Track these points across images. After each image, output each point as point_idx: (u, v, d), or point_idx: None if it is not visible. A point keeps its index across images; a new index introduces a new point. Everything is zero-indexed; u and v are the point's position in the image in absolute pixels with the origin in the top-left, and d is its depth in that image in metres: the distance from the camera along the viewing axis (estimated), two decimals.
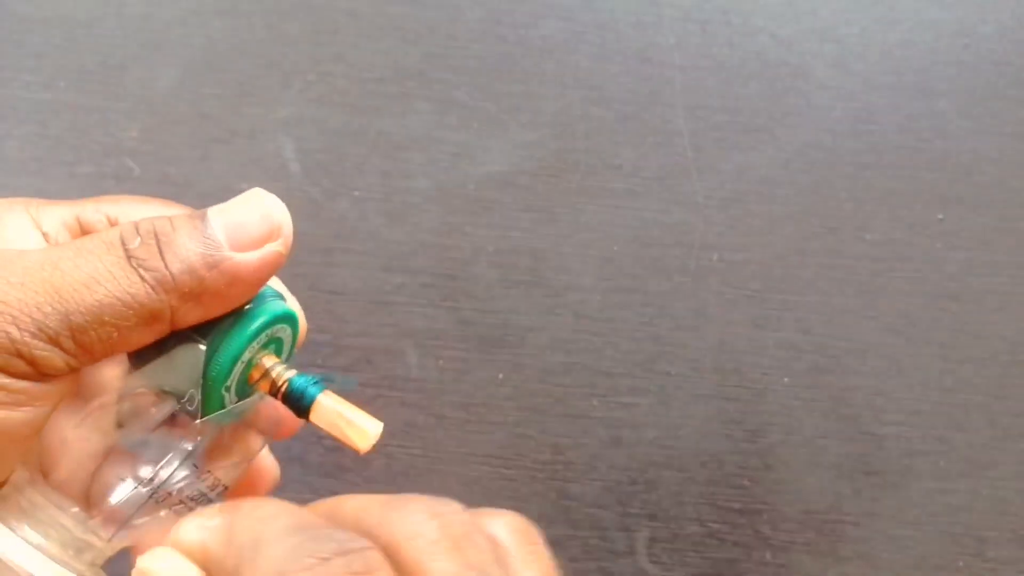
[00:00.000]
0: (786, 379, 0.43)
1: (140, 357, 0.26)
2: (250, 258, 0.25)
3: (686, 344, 0.43)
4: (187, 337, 0.26)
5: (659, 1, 0.47)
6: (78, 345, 0.24)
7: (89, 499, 0.27)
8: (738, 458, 0.42)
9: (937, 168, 0.46)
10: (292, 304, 0.29)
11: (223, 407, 0.27)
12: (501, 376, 0.43)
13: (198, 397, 0.26)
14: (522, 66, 0.46)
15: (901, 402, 0.43)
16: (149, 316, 0.24)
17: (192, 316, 0.25)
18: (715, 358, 0.43)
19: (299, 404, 0.27)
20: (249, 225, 0.25)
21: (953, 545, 0.42)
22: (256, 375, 0.27)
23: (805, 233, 0.45)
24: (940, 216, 0.45)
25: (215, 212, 0.25)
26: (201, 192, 0.44)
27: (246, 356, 0.26)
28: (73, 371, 0.24)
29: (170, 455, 0.27)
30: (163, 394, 0.27)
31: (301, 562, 0.21)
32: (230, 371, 0.26)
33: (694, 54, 0.47)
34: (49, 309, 0.23)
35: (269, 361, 0.27)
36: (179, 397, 0.26)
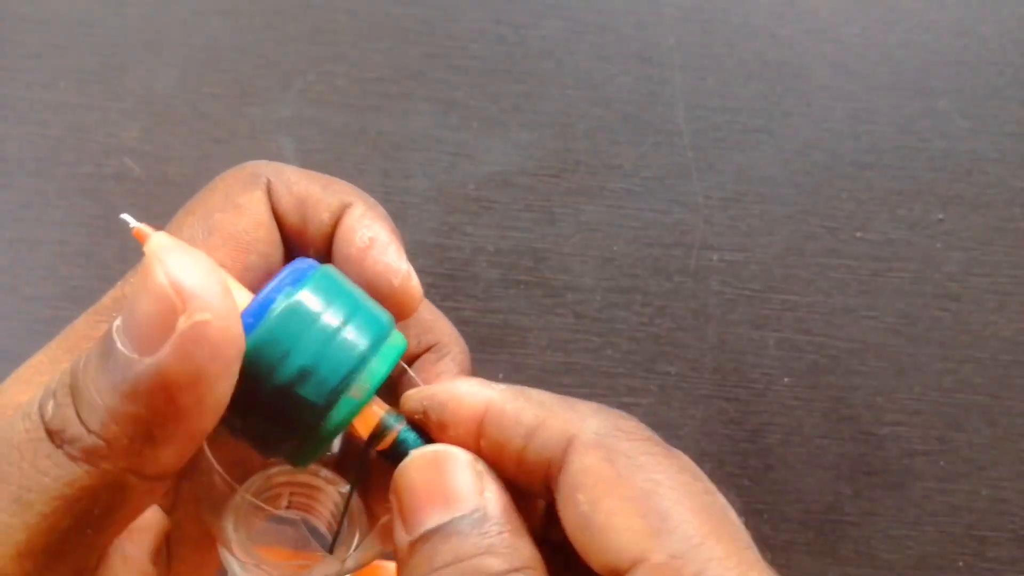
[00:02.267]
0: (786, 379, 0.43)
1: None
2: (164, 354, 0.18)
3: (686, 344, 0.43)
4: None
5: (659, 1, 0.47)
6: (60, 569, 0.19)
7: None
8: (738, 458, 0.42)
9: (937, 168, 0.46)
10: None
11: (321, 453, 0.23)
12: (501, 376, 0.43)
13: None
14: (522, 66, 0.46)
15: (901, 402, 0.43)
16: (113, 494, 0.19)
17: (170, 458, 0.19)
18: (715, 358, 0.43)
19: (397, 454, 0.23)
20: (141, 317, 0.18)
21: (953, 545, 0.42)
22: (358, 423, 0.23)
23: (805, 233, 0.45)
24: (940, 216, 0.45)
25: (118, 319, 0.19)
26: None
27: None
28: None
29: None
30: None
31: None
32: (340, 430, 0.22)
33: (694, 54, 0.47)
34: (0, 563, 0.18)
35: (377, 410, 0.23)
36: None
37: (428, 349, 0.27)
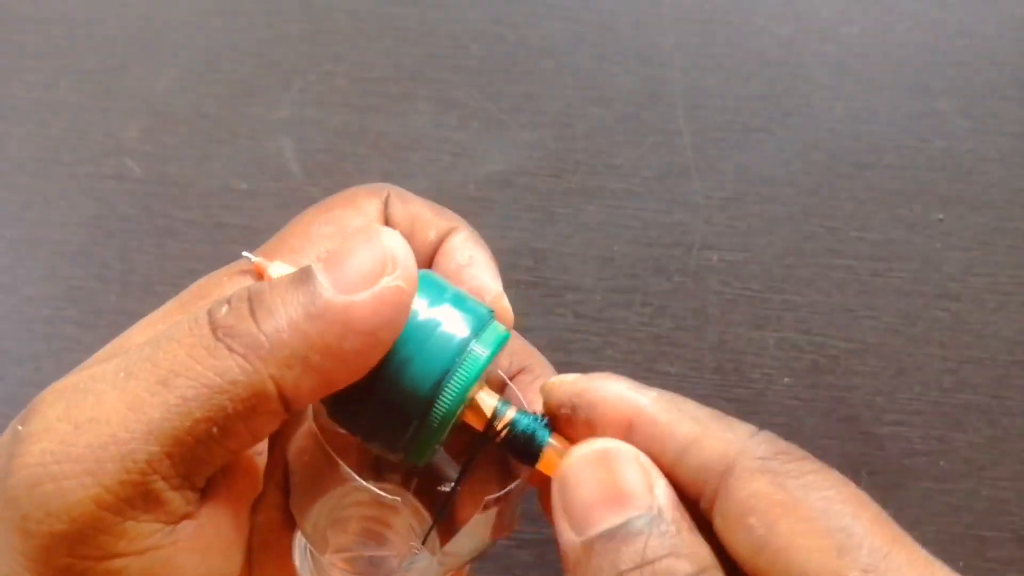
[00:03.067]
0: (786, 379, 0.43)
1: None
2: (361, 298, 0.20)
3: (686, 344, 0.43)
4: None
5: (659, 1, 0.47)
6: (179, 467, 0.20)
7: None
8: None
9: (937, 168, 0.46)
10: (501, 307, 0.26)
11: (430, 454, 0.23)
12: None
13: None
14: (522, 66, 0.46)
15: (901, 402, 0.43)
16: (250, 397, 0.20)
17: (307, 389, 0.20)
18: (715, 358, 0.43)
19: (527, 450, 0.23)
20: (357, 261, 0.21)
21: (953, 545, 0.42)
22: (469, 414, 0.23)
23: (805, 233, 0.45)
24: (940, 216, 0.45)
25: (319, 260, 0.21)
26: (201, 192, 0.44)
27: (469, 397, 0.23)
28: (199, 493, 0.21)
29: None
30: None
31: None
32: (453, 415, 0.22)
33: (694, 54, 0.47)
34: (127, 436, 0.19)
35: (488, 398, 0.23)
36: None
37: (520, 371, 0.27)
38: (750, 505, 0.21)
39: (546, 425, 0.23)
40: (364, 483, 0.23)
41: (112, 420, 0.19)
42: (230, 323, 0.20)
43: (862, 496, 0.21)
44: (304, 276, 0.21)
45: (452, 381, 0.22)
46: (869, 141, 0.46)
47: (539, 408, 0.24)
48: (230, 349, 0.20)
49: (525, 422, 0.23)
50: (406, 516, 0.26)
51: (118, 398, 0.20)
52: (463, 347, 0.22)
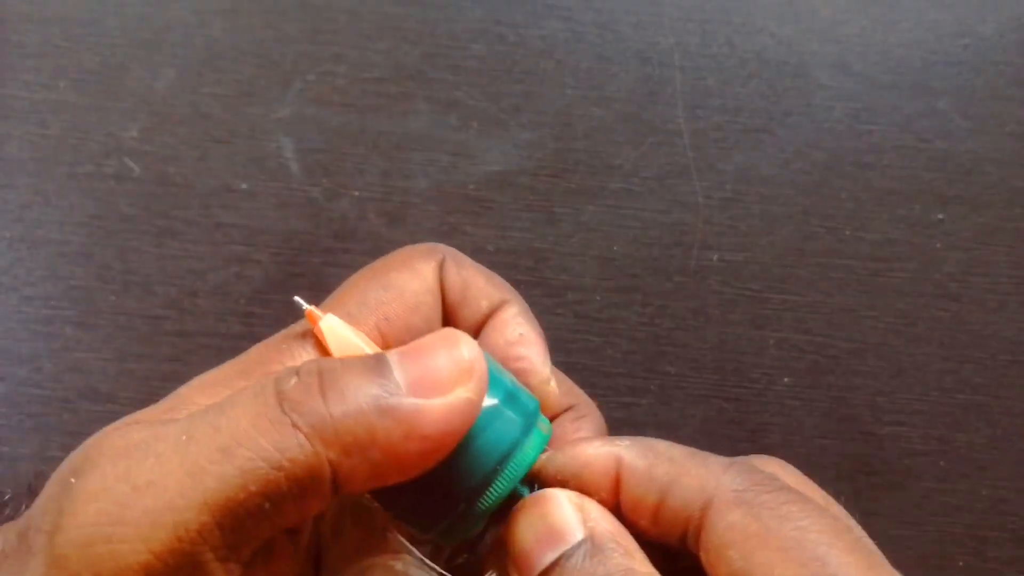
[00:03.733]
0: (786, 379, 0.43)
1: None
2: (434, 404, 0.20)
3: (686, 344, 0.43)
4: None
5: (659, 1, 0.47)
6: (228, 538, 0.19)
7: None
8: None
9: (937, 168, 0.46)
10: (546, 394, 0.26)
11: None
12: None
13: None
14: (522, 66, 0.46)
15: (901, 402, 0.43)
16: (306, 477, 0.19)
17: (360, 479, 0.20)
18: (715, 358, 0.43)
19: None
20: (434, 365, 0.21)
21: (953, 545, 0.42)
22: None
23: (805, 233, 0.45)
24: (940, 216, 0.45)
25: (395, 352, 0.21)
26: (201, 192, 0.44)
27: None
28: (243, 567, 0.21)
29: None
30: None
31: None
32: (492, 509, 0.23)
33: (694, 54, 0.47)
34: (183, 504, 0.19)
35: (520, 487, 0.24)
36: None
37: (568, 409, 0.28)
38: (728, 537, 0.22)
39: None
40: (419, 555, 0.24)
41: (170, 486, 0.19)
42: (298, 398, 0.20)
43: (838, 524, 0.22)
44: (379, 366, 0.20)
45: (501, 478, 0.22)
46: (869, 141, 0.46)
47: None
48: (295, 425, 0.19)
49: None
50: None
51: (178, 463, 0.19)
52: (514, 445, 0.23)
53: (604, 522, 0.23)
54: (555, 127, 0.45)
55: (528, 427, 0.24)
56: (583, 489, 0.24)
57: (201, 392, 0.24)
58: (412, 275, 0.27)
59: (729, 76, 0.46)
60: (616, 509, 0.24)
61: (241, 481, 0.19)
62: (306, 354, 0.24)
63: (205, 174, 0.44)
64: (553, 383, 0.27)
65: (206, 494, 0.19)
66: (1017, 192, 0.46)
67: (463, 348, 0.21)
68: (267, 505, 0.19)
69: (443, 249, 0.29)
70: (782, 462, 0.26)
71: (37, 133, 0.44)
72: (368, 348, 0.23)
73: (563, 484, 0.24)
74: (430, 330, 0.25)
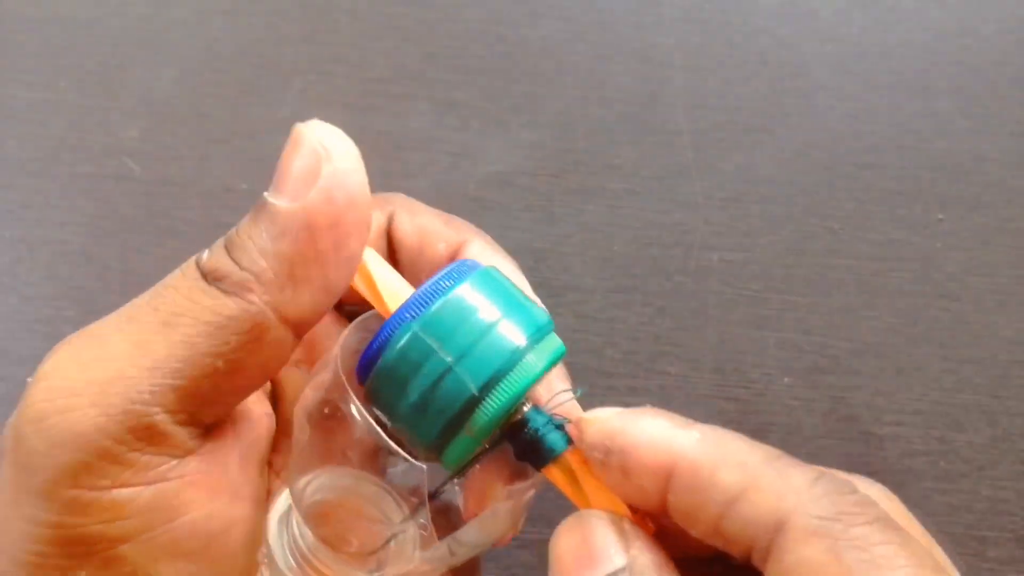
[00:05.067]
0: (786, 379, 0.43)
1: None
2: (311, 197, 0.21)
3: (686, 344, 0.43)
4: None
5: (659, 1, 0.47)
6: (185, 402, 0.20)
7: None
8: None
9: (937, 168, 0.46)
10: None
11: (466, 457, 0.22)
12: None
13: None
14: (522, 66, 0.46)
15: (901, 402, 0.43)
16: (252, 328, 0.20)
17: (308, 303, 0.21)
18: (715, 358, 0.43)
19: (532, 453, 0.22)
20: (292, 169, 0.22)
21: (953, 545, 0.42)
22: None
23: (805, 233, 0.45)
24: (940, 216, 0.45)
25: (268, 190, 0.22)
26: (201, 192, 0.44)
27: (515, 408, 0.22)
28: (205, 431, 0.21)
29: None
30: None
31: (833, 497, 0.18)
32: (493, 427, 0.22)
33: (694, 54, 0.47)
34: (132, 371, 0.20)
35: (527, 408, 0.22)
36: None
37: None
38: (797, 571, 0.18)
39: (560, 430, 0.22)
40: (392, 444, 0.22)
41: (118, 357, 0.20)
42: (214, 267, 0.21)
43: None
44: (259, 206, 0.22)
45: (501, 388, 0.21)
46: (869, 141, 0.46)
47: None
48: (223, 291, 0.21)
49: (537, 422, 0.22)
50: (401, 506, 0.26)
51: (122, 339, 0.21)
52: (515, 355, 0.21)
53: (647, 553, 0.20)
54: (555, 127, 0.45)
55: (535, 341, 0.22)
56: (628, 476, 0.21)
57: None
58: None
59: (729, 76, 0.46)
60: (665, 513, 0.21)
61: (189, 344, 0.20)
62: None
63: (205, 174, 0.44)
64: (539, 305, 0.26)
65: (155, 361, 0.20)
66: (1017, 192, 0.46)
67: (307, 135, 0.22)
68: (220, 363, 0.20)
69: (396, 199, 0.29)
70: (885, 490, 0.23)
71: (37, 133, 0.44)
72: (381, 269, 0.24)
73: (602, 462, 0.22)
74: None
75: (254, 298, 0.20)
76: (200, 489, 0.21)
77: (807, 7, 0.47)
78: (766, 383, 0.43)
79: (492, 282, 0.23)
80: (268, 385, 0.28)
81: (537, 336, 0.22)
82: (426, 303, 0.22)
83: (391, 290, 0.24)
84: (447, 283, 0.22)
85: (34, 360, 0.44)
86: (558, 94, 0.46)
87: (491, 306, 0.22)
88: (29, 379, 0.21)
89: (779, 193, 0.45)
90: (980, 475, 0.43)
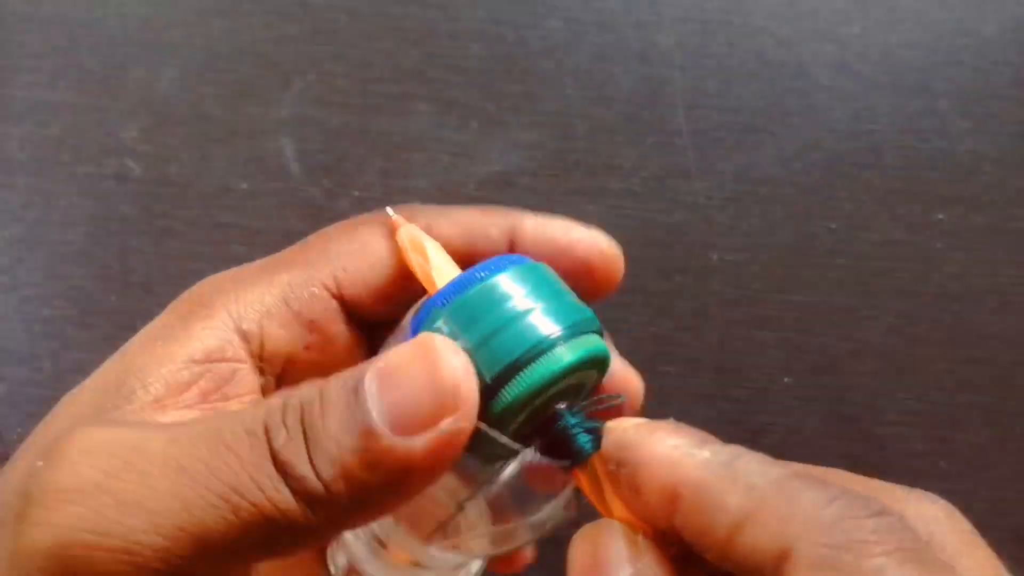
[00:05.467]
0: (786, 379, 0.43)
1: None
2: (420, 444, 0.19)
3: (686, 344, 0.43)
4: None
5: (659, 1, 0.47)
6: (211, 569, 0.19)
7: None
8: None
9: (937, 168, 0.46)
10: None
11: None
12: None
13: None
14: (522, 66, 0.46)
15: (901, 402, 0.43)
16: (302, 533, 0.19)
17: (360, 520, 0.20)
18: (715, 358, 0.43)
19: (560, 452, 0.22)
20: (415, 398, 0.19)
21: None
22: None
23: (805, 233, 0.45)
24: (940, 216, 0.45)
25: (371, 378, 0.19)
26: (201, 192, 0.44)
27: (535, 403, 0.21)
28: None
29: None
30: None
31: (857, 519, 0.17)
32: (508, 419, 0.21)
33: (694, 54, 0.47)
34: (172, 531, 0.18)
35: (562, 406, 0.22)
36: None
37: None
38: None
39: (591, 435, 0.21)
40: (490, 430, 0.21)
41: (160, 511, 0.19)
42: (290, 461, 0.19)
43: None
44: (355, 398, 0.19)
45: (519, 378, 0.20)
46: (869, 141, 0.46)
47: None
48: (292, 490, 0.19)
49: (568, 422, 0.22)
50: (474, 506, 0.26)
51: (168, 491, 0.19)
52: (545, 344, 0.21)
53: (653, 568, 0.20)
54: (555, 127, 0.45)
55: (570, 335, 0.21)
56: (638, 493, 0.20)
57: (148, 348, 0.24)
58: (380, 231, 0.26)
59: (729, 76, 0.46)
60: (673, 530, 0.20)
61: (236, 525, 0.19)
62: (362, 244, 0.25)
63: (205, 174, 0.44)
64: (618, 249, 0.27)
65: (199, 529, 0.18)
66: (1017, 192, 0.46)
67: (443, 366, 0.19)
68: (259, 542, 0.19)
69: (418, 208, 0.28)
70: (948, 508, 0.21)
71: (37, 133, 0.44)
72: (437, 255, 0.23)
73: (617, 475, 0.21)
74: (385, 285, 0.25)
75: (321, 513, 0.19)
76: None
77: (807, 7, 0.47)
78: (766, 383, 0.43)
79: (535, 275, 0.22)
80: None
81: (573, 331, 0.21)
82: (460, 290, 0.22)
83: (443, 278, 0.24)
84: (483, 273, 0.22)
85: (34, 360, 0.44)
86: (558, 94, 0.46)
87: (527, 297, 0.21)
88: (40, 463, 0.20)
89: (779, 193, 0.45)
90: (980, 475, 0.43)
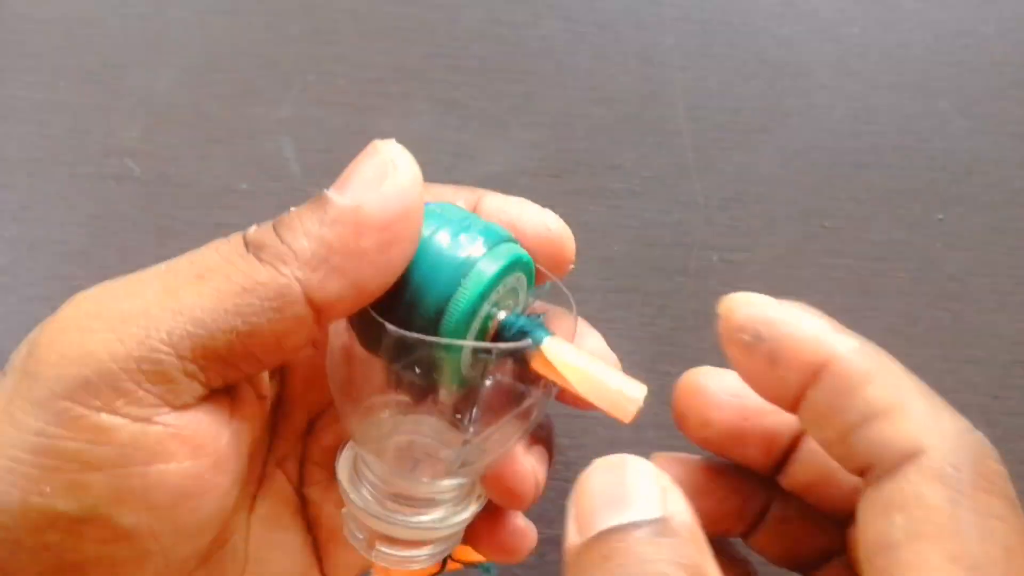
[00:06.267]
0: None
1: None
2: (368, 198, 0.22)
3: (686, 344, 0.43)
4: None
5: (659, 1, 0.47)
6: (197, 352, 0.21)
7: None
8: None
9: (937, 168, 0.46)
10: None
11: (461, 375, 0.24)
12: None
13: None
14: (522, 66, 0.46)
15: None
16: (277, 296, 0.21)
17: (334, 290, 0.22)
18: (715, 358, 0.43)
19: (520, 350, 0.23)
20: (359, 173, 0.22)
21: None
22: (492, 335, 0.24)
23: (805, 233, 0.45)
24: (940, 216, 0.45)
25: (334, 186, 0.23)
26: (201, 192, 0.44)
27: (479, 315, 0.23)
28: (207, 391, 0.22)
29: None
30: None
31: None
32: (462, 333, 0.23)
33: (694, 54, 0.47)
34: (157, 311, 0.21)
35: (503, 316, 0.24)
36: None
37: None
38: (908, 503, 0.18)
39: (540, 325, 0.23)
40: (405, 333, 0.23)
41: (147, 296, 0.21)
42: (258, 240, 0.22)
43: None
44: (317, 198, 0.22)
45: (455, 302, 0.22)
46: (869, 141, 0.46)
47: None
48: (259, 259, 0.21)
49: (517, 324, 0.23)
50: (434, 423, 0.27)
51: (156, 283, 0.22)
52: (465, 266, 0.23)
53: (687, 514, 0.20)
54: (555, 127, 0.45)
55: (490, 247, 0.23)
56: (775, 364, 0.20)
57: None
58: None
59: (729, 76, 0.46)
60: (789, 408, 0.20)
61: (216, 298, 0.21)
62: None
63: (205, 174, 0.44)
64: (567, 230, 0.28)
65: (180, 306, 0.21)
66: (1017, 192, 0.46)
67: (382, 149, 0.22)
68: (239, 323, 0.21)
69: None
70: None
71: (37, 133, 0.44)
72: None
73: (747, 344, 0.21)
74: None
75: (286, 271, 0.21)
76: (185, 445, 0.21)
77: (807, 7, 0.47)
78: None
79: (443, 210, 0.24)
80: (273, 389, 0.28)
81: (489, 246, 0.23)
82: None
83: None
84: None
85: None
86: (558, 94, 0.46)
87: (445, 234, 0.23)
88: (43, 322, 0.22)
89: (779, 193, 0.45)
90: None
